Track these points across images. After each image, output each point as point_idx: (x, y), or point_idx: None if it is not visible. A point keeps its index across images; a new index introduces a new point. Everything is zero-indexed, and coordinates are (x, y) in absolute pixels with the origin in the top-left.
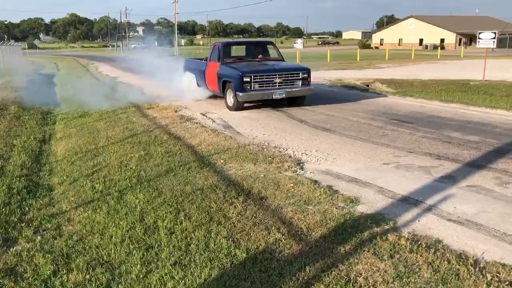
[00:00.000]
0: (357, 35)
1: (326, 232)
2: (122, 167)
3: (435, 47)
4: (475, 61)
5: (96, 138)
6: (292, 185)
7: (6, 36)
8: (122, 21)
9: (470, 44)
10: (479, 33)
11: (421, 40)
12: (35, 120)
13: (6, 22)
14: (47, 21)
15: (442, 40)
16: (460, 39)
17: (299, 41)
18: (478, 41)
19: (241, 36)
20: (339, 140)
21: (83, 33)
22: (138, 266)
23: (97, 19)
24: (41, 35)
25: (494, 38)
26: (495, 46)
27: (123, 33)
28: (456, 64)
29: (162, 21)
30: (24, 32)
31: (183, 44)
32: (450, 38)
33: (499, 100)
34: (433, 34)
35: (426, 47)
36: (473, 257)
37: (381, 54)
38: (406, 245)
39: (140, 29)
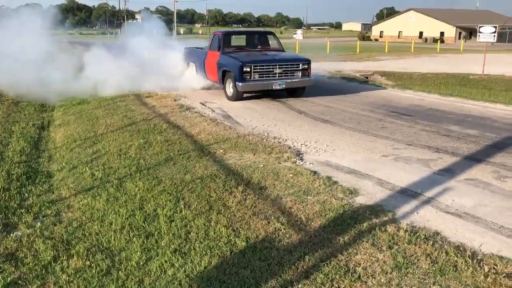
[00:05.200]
0: (357, 26)
1: (325, 223)
2: (122, 155)
3: (434, 40)
4: (474, 55)
5: (95, 126)
6: (291, 175)
7: None
8: (121, 8)
9: (470, 38)
10: (480, 27)
11: (420, 33)
12: (34, 106)
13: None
14: (45, 7)
15: (442, 34)
16: (460, 33)
17: (299, 31)
18: (479, 35)
19: (240, 26)
20: (338, 131)
21: (81, 20)
22: (138, 253)
23: (96, 6)
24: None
25: (494, 32)
26: (495, 40)
27: (122, 21)
28: (456, 58)
29: (161, 9)
30: None
31: (182, 32)
32: (450, 31)
33: (498, 95)
34: (433, 27)
35: (426, 40)
36: (471, 249)
37: (381, 46)
38: (405, 237)
39: (138, 17)
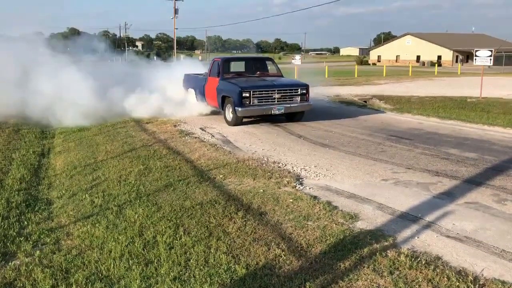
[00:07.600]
0: (354, 51)
1: (326, 248)
2: (121, 181)
3: (432, 64)
4: (472, 78)
5: (95, 152)
6: (291, 200)
7: None
8: (122, 35)
9: (467, 61)
10: (476, 50)
11: (418, 57)
12: (34, 133)
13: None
14: (46, 35)
15: (439, 57)
16: (457, 56)
17: (297, 57)
18: (475, 59)
19: (239, 52)
20: (337, 156)
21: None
22: (138, 281)
23: (97, 34)
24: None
25: (490, 56)
26: (491, 64)
27: (123, 48)
28: (453, 81)
29: (161, 36)
30: None
31: (182, 59)
32: (447, 55)
33: (496, 118)
34: (430, 51)
35: (423, 64)
36: (472, 274)
37: (379, 71)
38: (406, 262)
39: (139, 44)
